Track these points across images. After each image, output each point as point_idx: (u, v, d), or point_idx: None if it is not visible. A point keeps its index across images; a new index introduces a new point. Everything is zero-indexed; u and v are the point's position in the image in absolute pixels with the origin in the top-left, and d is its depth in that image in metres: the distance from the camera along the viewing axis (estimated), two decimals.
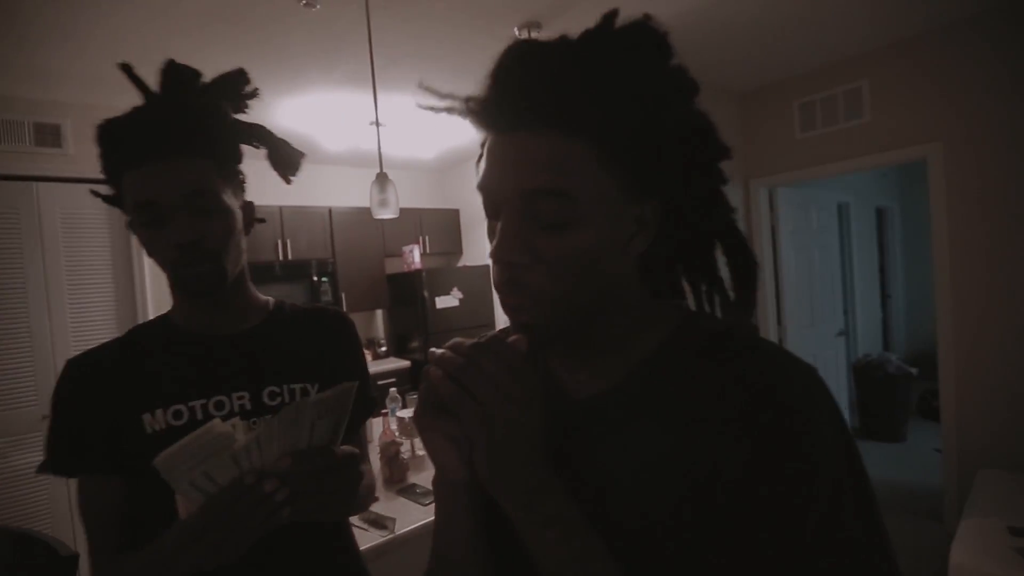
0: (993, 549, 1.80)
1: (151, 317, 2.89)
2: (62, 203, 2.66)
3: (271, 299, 0.86)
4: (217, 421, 0.51)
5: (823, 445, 0.41)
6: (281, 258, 3.86)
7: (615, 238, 0.44)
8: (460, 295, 4.33)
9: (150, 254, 0.70)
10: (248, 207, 0.79)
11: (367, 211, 4.28)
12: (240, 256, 0.75)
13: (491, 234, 0.46)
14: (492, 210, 0.45)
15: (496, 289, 0.45)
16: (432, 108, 0.52)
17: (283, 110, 3.01)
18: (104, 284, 2.77)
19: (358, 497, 0.78)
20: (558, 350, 0.51)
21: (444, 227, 4.83)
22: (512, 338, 0.42)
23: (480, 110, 0.46)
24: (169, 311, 0.79)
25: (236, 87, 0.76)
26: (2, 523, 2.24)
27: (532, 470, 0.41)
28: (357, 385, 0.57)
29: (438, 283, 4.23)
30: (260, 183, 3.94)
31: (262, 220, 0.85)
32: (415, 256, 4.30)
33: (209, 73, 0.75)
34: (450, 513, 0.48)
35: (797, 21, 2.46)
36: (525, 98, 0.41)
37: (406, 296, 4.32)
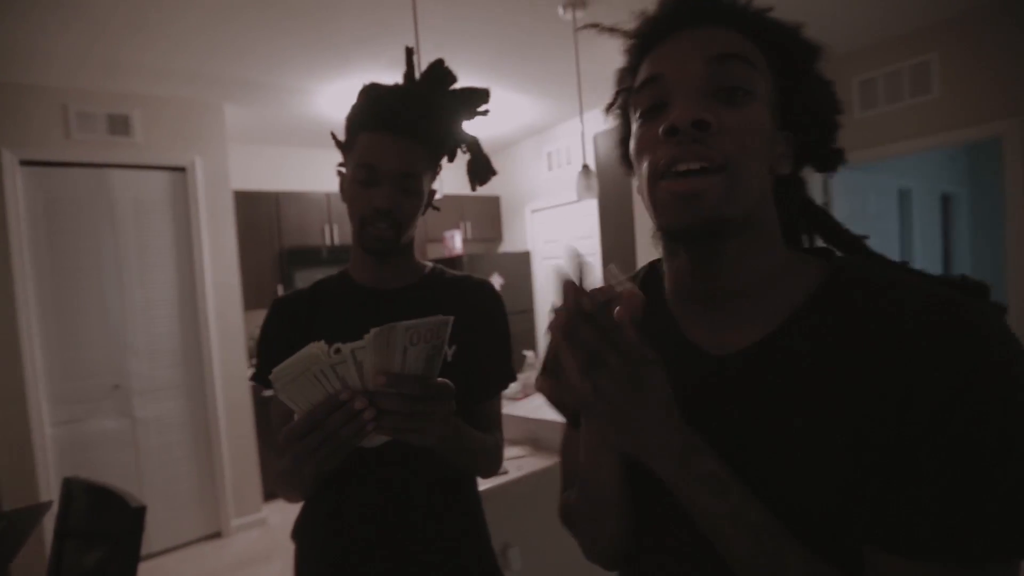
0: None
1: (209, 294, 3.02)
2: (132, 188, 2.84)
3: (429, 264, 0.97)
4: (317, 343, 0.56)
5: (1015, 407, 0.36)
6: (328, 243, 3.99)
7: (772, 141, 0.45)
8: (501, 280, 4.36)
9: (348, 203, 0.84)
10: (432, 194, 0.92)
11: None
12: (414, 229, 0.89)
13: (640, 142, 0.46)
14: (660, 97, 0.45)
15: (667, 166, 0.42)
16: (598, 26, 0.58)
17: (330, 96, 3.10)
18: (167, 265, 2.95)
19: (472, 457, 0.84)
20: (707, 274, 0.47)
21: (485, 214, 4.86)
22: (628, 293, 0.38)
23: (671, 5, 0.48)
24: (347, 267, 0.93)
25: (476, 101, 0.88)
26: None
27: (674, 432, 0.41)
28: (452, 320, 0.60)
29: (479, 268, 4.27)
30: (312, 169, 4.07)
31: (438, 208, 0.97)
32: (456, 241, 4.36)
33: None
34: (600, 459, 0.49)
35: None
36: (725, 6, 0.47)
37: None
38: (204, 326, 2.99)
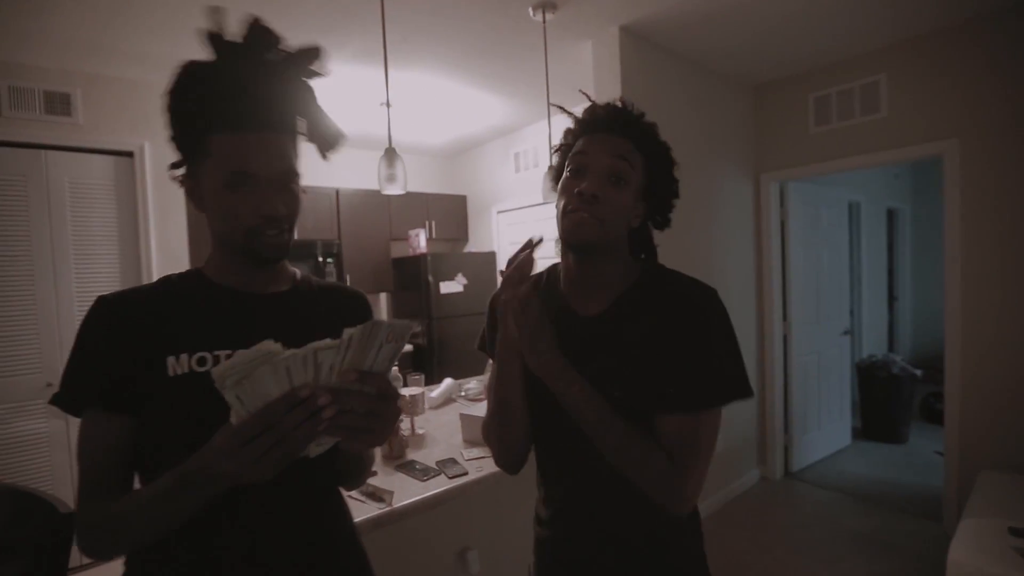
0: (992, 548, 1.78)
1: None
2: (71, 172, 2.66)
3: (298, 271, 0.89)
4: (268, 340, 0.52)
5: (720, 327, 0.79)
6: None
7: (632, 209, 0.84)
8: (464, 281, 4.33)
9: (220, 214, 0.70)
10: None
11: (374, 194, 4.31)
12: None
13: (563, 186, 0.83)
14: (578, 170, 0.81)
15: (572, 209, 0.79)
16: (562, 108, 0.98)
17: None
18: (110, 254, 2.77)
19: (364, 466, 0.89)
20: (581, 269, 0.85)
21: (451, 213, 4.81)
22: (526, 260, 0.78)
23: (600, 115, 0.84)
24: (203, 266, 0.80)
25: (312, 64, 0.75)
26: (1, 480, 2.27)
27: (557, 358, 0.76)
28: (415, 323, 0.59)
29: (443, 268, 4.22)
30: None
31: (304, 191, 0.87)
32: (421, 240, 4.29)
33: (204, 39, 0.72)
34: (511, 370, 0.82)
35: (815, 12, 2.42)
36: (627, 117, 0.83)
37: (410, 280, 4.32)
38: None
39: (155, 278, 2.80)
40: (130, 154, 2.79)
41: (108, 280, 2.76)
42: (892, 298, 5.45)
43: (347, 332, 0.54)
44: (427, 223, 4.58)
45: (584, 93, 0.96)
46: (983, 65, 2.50)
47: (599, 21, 2.45)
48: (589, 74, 2.85)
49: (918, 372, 3.99)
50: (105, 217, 2.76)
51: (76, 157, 2.67)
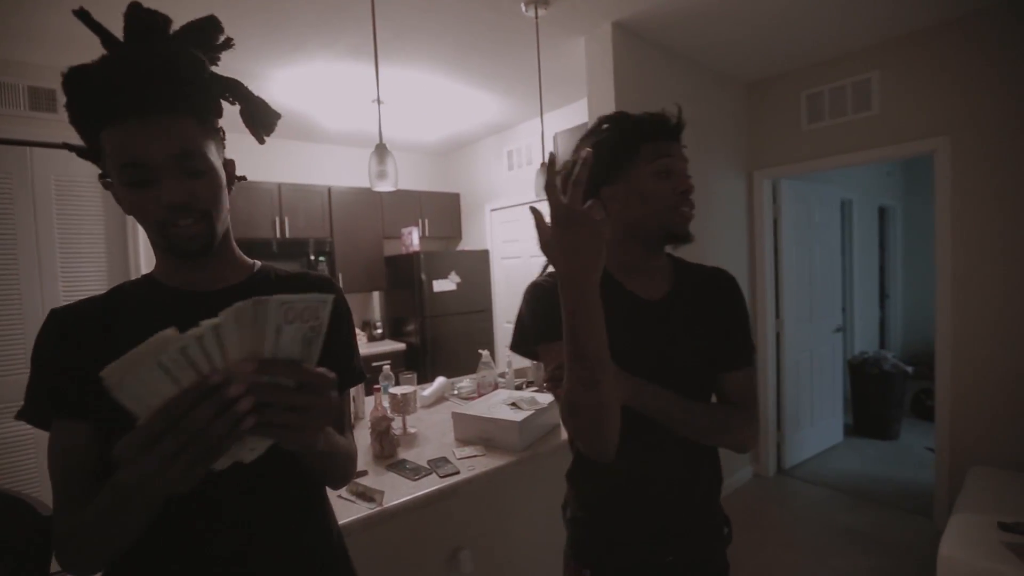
0: (982, 543, 1.79)
1: None
2: (56, 169, 2.62)
3: (258, 262, 0.85)
4: (168, 329, 0.45)
5: (743, 306, 1.00)
6: (279, 236, 3.83)
7: None
8: (458, 279, 4.31)
9: (132, 213, 0.68)
10: (230, 164, 0.78)
11: (366, 191, 4.28)
12: (226, 214, 0.75)
13: (655, 186, 0.90)
14: (668, 171, 0.90)
15: (679, 205, 0.90)
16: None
17: (282, 83, 2.96)
18: (97, 251, 2.73)
19: (337, 463, 0.76)
20: (649, 259, 0.96)
21: (444, 211, 4.79)
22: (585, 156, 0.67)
23: (672, 129, 0.94)
24: (152, 270, 0.78)
25: (209, 37, 0.72)
26: None
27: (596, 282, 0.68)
28: (333, 299, 0.52)
29: (436, 266, 4.20)
30: (259, 158, 3.90)
31: (243, 178, 0.84)
32: (414, 238, 4.27)
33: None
34: (593, 308, 0.69)
35: (808, 10, 2.42)
36: (679, 132, 0.96)
37: (403, 278, 4.30)
38: None
39: (144, 273, 2.74)
40: None
41: (96, 277, 2.73)
42: (884, 295, 5.49)
43: (222, 313, 0.45)
44: (420, 221, 4.56)
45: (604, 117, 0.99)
46: (974, 63, 2.51)
47: (592, 17, 2.44)
48: (582, 71, 2.84)
49: (909, 369, 4.01)
50: (92, 214, 2.72)
51: (62, 154, 2.63)
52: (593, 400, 0.71)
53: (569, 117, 3.69)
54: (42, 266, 2.59)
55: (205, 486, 0.52)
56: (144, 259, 2.81)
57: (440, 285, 4.20)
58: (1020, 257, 2.44)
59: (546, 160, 0.68)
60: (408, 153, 4.82)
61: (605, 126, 0.94)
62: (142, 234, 2.80)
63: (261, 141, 0.80)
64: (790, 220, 3.46)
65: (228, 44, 0.74)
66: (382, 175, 1.96)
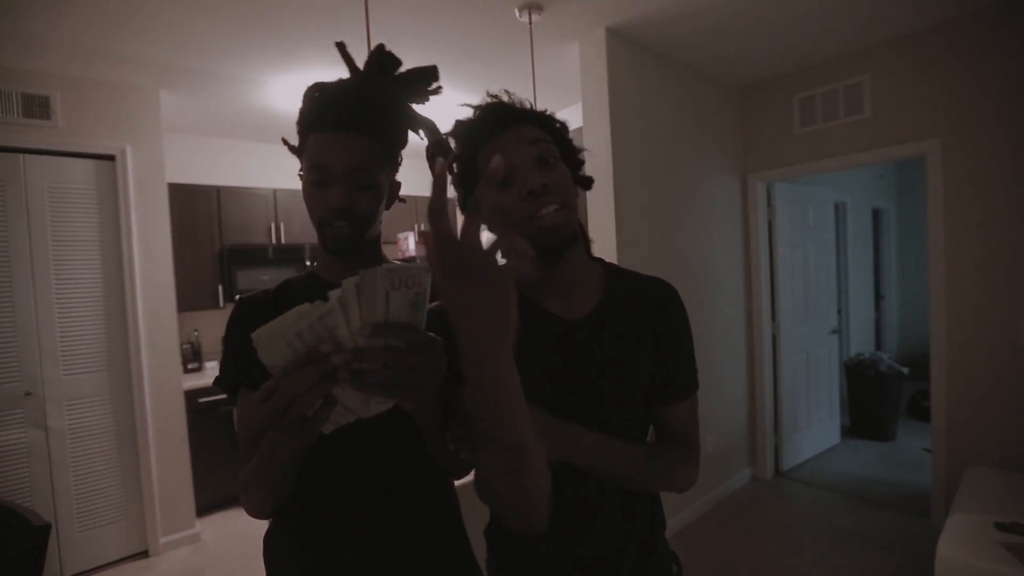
0: (979, 544, 1.80)
1: (139, 293, 2.82)
2: (50, 176, 2.61)
3: (396, 262, 0.94)
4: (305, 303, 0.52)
5: (687, 323, 0.85)
6: (274, 242, 3.82)
7: (572, 182, 0.78)
8: None
9: (308, 207, 0.82)
10: (396, 186, 0.91)
11: None
12: (377, 225, 0.87)
13: (498, 203, 0.73)
14: (508, 175, 0.72)
15: (532, 211, 0.71)
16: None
17: (277, 88, 2.97)
18: (91, 259, 2.72)
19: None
20: (558, 269, 0.78)
21: None
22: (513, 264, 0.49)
23: (497, 120, 0.76)
24: (316, 267, 0.92)
25: (424, 81, 0.86)
26: None
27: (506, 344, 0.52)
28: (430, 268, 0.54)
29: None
30: (257, 163, 3.89)
31: (403, 200, 0.96)
32: (410, 243, 4.27)
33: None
34: (504, 372, 0.53)
35: (799, 14, 2.44)
36: (524, 109, 0.79)
37: None
38: (133, 329, 2.78)
39: (138, 283, 2.77)
40: (111, 158, 2.74)
41: (92, 286, 2.71)
42: (879, 297, 5.51)
43: (333, 293, 0.51)
44: (416, 226, 4.56)
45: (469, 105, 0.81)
46: (964, 65, 2.54)
47: (586, 22, 2.45)
48: (576, 76, 2.85)
49: (905, 370, 4.03)
50: (86, 222, 2.71)
51: (55, 161, 2.62)
52: (513, 490, 0.57)
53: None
54: (35, 273, 2.57)
55: (337, 458, 0.78)
56: (139, 267, 2.80)
57: None
58: (1013, 256, 2.45)
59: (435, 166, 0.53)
60: (403, 158, 4.82)
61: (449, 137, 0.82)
62: (137, 242, 2.80)
63: (432, 168, 0.91)
64: (784, 223, 3.48)
65: (438, 91, 0.88)
66: None
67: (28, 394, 2.54)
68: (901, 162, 3.16)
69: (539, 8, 2.28)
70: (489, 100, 0.78)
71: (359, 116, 0.78)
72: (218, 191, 3.62)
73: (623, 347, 0.78)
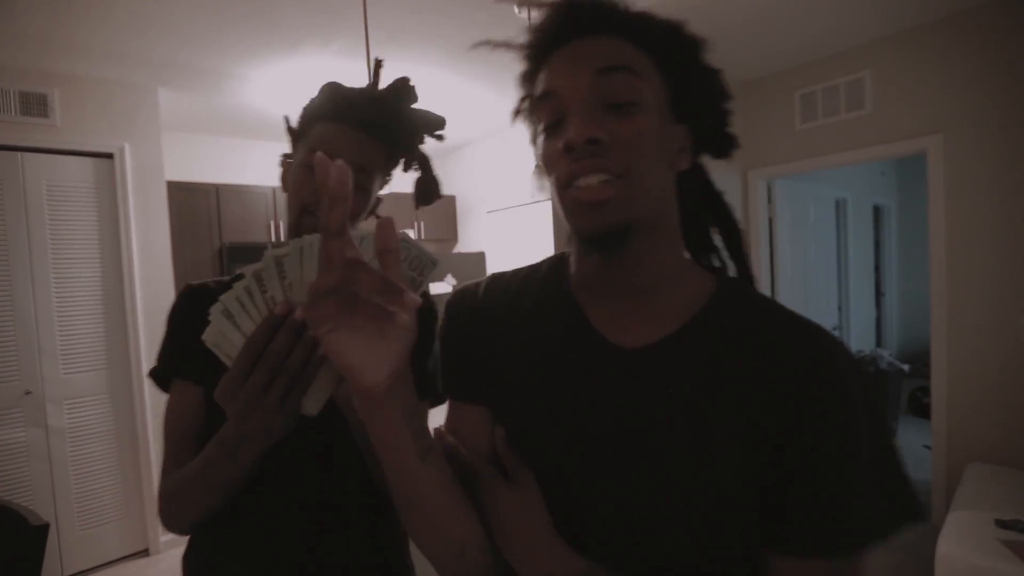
0: (980, 541, 1.79)
1: (138, 291, 2.81)
2: (48, 174, 2.60)
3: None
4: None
5: (859, 430, 0.44)
6: (274, 239, 3.81)
7: (667, 140, 0.49)
8: (454, 281, 4.30)
9: (291, 192, 0.81)
10: (378, 201, 0.88)
11: None
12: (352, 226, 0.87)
13: (546, 160, 0.50)
14: (557, 112, 0.48)
15: (570, 177, 0.46)
16: (490, 43, 0.58)
17: (276, 86, 2.95)
18: (90, 258, 2.71)
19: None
20: (611, 273, 0.51)
21: (440, 213, 4.78)
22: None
23: (559, 18, 0.50)
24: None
25: (435, 125, 0.84)
26: None
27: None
28: (438, 263, 0.52)
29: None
30: (257, 161, 3.89)
31: (379, 216, 0.97)
32: None
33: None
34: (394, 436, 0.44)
35: (800, 10, 2.43)
36: (605, 8, 0.49)
37: None
38: (132, 327, 2.77)
39: (137, 282, 2.75)
40: (110, 156, 2.73)
41: (91, 285, 2.71)
42: (879, 294, 5.50)
43: (297, 241, 0.46)
44: (416, 223, 4.55)
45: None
46: (965, 61, 2.52)
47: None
48: None
49: (905, 367, 4.03)
50: (85, 220, 2.70)
51: (54, 159, 2.61)
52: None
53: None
54: (34, 272, 2.56)
55: (280, 467, 0.67)
56: (138, 265, 2.79)
57: (436, 288, 4.19)
58: (1014, 253, 2.44)
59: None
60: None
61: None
62: (136, 241, 2.79)
63: (417, 207, 0.91)
64: (785, 219, 3.47)
65: (440, 139, 0.87)
66: None
67: (28, 393, 2.54)
68: (902, 158, 3.14)
69: (539, 5, 2.26)
70: None
71: (372, 118, 0.78)
72: (217, 189, 3.61)
73: (699, 414, 0.45)
